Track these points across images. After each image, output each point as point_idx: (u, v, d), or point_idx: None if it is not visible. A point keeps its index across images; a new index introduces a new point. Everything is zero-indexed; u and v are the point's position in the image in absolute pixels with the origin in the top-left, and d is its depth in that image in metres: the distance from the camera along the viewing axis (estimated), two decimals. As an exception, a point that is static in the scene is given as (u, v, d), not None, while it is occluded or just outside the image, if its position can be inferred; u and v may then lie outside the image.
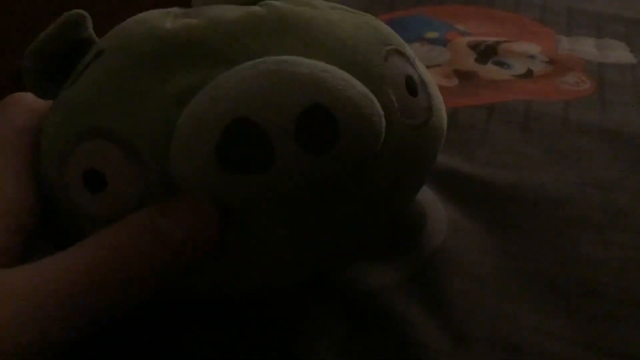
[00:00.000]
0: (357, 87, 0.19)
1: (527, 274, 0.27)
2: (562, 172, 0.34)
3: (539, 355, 0.24)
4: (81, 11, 0.23)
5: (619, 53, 0.48)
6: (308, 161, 0.19)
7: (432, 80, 0.25)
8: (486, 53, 0.47)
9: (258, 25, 0.22)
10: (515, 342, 0.24)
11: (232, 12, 0.22)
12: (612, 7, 0.55)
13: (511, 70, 0.45)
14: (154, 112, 0.20)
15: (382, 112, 0.20)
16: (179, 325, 0.24)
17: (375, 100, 0.20)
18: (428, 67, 0.45)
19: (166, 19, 0.23)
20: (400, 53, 0.24)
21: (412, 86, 0.23)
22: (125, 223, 0.20)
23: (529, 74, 0.45)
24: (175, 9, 0.24)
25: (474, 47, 0.48)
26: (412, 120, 0.23)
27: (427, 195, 0.31)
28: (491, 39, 0.49)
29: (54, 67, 0.23)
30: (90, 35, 0.24)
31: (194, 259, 0.20)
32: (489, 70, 0.45)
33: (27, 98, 0.24)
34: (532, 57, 0.47)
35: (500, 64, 0.46)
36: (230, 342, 0.24)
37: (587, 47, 0.49)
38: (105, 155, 0.20)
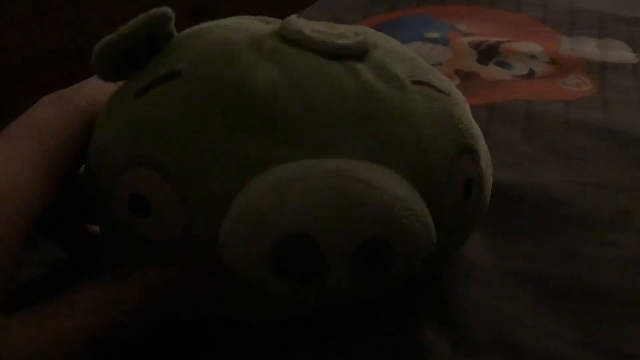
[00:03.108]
0: (421, 217, 0.20)
1: (528, 274, 0.27)
2: (562, 172, 0.34)
3: (540, 355, 0.24)
4: (167, 10, 0.22)
5: (620, 53, 0.48)
6: (356, 285, 0.20)
7: (489, 167, 0.25)
8: (488, 53, 0.47)
9: (342, 110, 0.21)
10: (516, 342, 0.24)
11: (318, 79, 0.21)
12: (613, 7, 0.55)
13: (513, 70, 0.46)
14: (217, 171, 0.20)
15: (434, 240, 0.20)
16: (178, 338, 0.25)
17: (432, 230, 0.20)
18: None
19: (251, 55, 0.21)
20: (470, 150, 0.23)
21: (469, 188, 0.23)
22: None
23: (530, 74, 0.45)
24: (262, 35, 0.22)
25: (475, 47, 0.48)
26: (459, 219, 0.23)
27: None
28: (492, 39, 0.49)
29: (126, 57, 0.22)
30: (170, 31, 0.23)
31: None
32: (491, 71, 0.45)
33: (86, 91, 0.24)
34: (533, 57, 0.47)
35: (502, 64, 0.46)
36: (228, 340, 0.24)
37: (588, 47, 0.49)
38: (156, 188, 0.20)
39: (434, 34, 0.51)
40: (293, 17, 0.23)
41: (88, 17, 0.98)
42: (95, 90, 0.24)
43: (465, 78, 0.44)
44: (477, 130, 0.24)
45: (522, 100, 0.41)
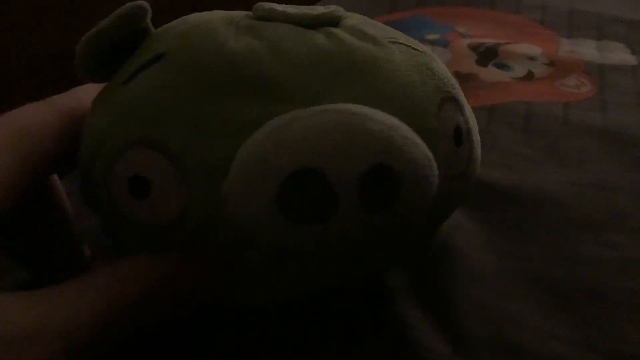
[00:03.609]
0: (419, 146, 0.20)
1: (528, 275, 0.27)
2: (562, 173, 0.34)
3: (540, 356, 0.24)
4: (143, 3, 0.22)
5: (619, 54, 0.48)
6: (366, 217, 0.19)
7: (475, 122, 0.25)
8: (487, 55, 0.47)
9: (324, 63, 0.21)
10: (516, 342, 0.24)
11: (298, 41, 0.22)
12: (612, 9, 0.55)
13: (512, 72, 0.46)
14: (213, 139, 0.20)
15: (437, 173, 0.20)
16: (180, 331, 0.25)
17: (433, 160, 0.20)
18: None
19: (228, 30, 0.22)
20: (453, 99, 0.24)
21: (459, 136, 0.23)
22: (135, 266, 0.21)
23: (529, 76, 0.45)
24: (237, 16, 0.23)
25: (474, 48, 0.48)
26: (452, 170, 0.23)
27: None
28: (491, 41, 0.49)
29: (108, 54, 0.22)
30: (146, 25, 0.23)
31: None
32: (490, 72, 0.45)
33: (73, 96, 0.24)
34: (532, 58, 0.47)
35: (501, 66, 0.46)
36: (228, 340, 0.24)
37: (587, 49, 0.49)
38: (155, 167, 0.20)
39: (433, 36, 0.51)
40: None
41: (88, 17, 0.98)
42: (85, 94, 0.24)
43: (465, 80, 0.44)
44: (457, 82, 0.25)
45: (521, 101, 0.41)
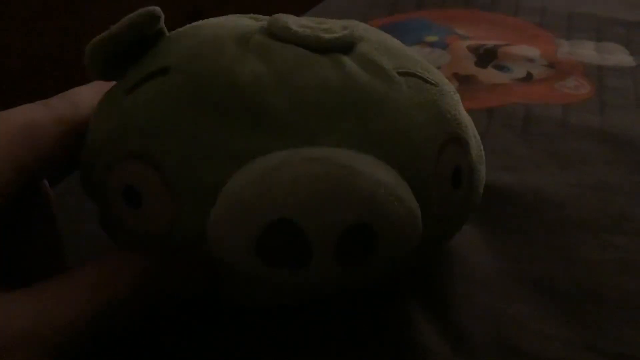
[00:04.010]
0: (405, 203, 0.20)
1: (528, 277, 0.27)
2: (561, 174, 0.34)
3: (540, 357, 0.24)
4: (156, 9, 0.22)
5: (618, 56, 0.48)
6: (340, 271, 0.20)
7: (482, 163, 0.25)
8: (486, 57, 0.47)
9: (327, 102, 0.21)
10: (516, 344, 0.24)
11: (304, 74, 0.21)
12: (611, 10, 0.55)
13: (511, 73, 0.46)
14: (204, 164, 0.20)
15: (420, 229, 0.21)
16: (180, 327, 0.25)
17: (418, 217, 0.20)
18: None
19: (238, 50, 0.22)
20: (458, 139, 0.23)
21: (458, 177, 0.23)
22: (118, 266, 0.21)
23: (528, 77, 0.45)
24: (250, 31, 0.23)
25: (473, 50, 0.48)
26: (448, 211, 0.23)
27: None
28: (491, 43, 0.49)
29: (119, 57, 0.22)
30: (160, 28, 0.23)
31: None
32: (489, 74, 0.46)
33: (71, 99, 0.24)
34: (531, 60, 0.47)
35: (500, 68, 0.46)
36: (228, 341, 0.24)
37: (586, 51, 0.49)
38: (147, 180, 0.21)
39: (433, 38, 0.51)
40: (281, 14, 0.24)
41: (88, 17, 0.98)
42: (82, 97, 0.24)
43: (464, 82, 0.44)
44: (466, 120, 0.25)
45: (521, 103, 0.41)
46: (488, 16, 0.55)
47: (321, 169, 0.19)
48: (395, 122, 0.22)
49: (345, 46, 0.23)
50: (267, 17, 0.24)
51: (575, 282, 0.27)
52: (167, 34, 0.23)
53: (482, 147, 0.26)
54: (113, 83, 0.23)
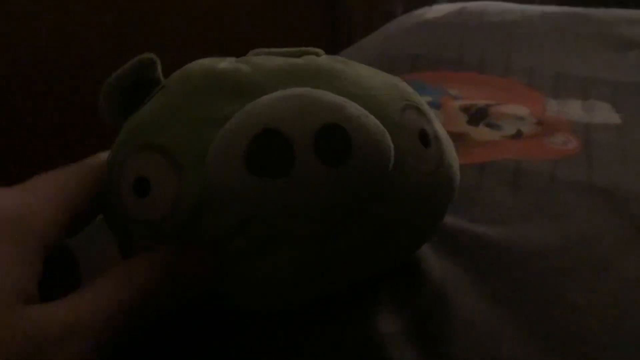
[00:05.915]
0: (372, 119, 0.23)
1: (519, 320, 0.28)
2: (548, 226, 0.35)
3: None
4: (152, 55, 0.27)
5: (604, 114, 0.51)
6: (323, 171, 0.22)
7: (449, 139, 0.28)
8: (478, 115, 0.50)
9: (296, 71, 0.26)
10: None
11: (276, 61, 0.27)
12: (597, 72, 0.58)
13: (501, 131, 0.48)
14: (198, 131, 0.24)
15: (391, 145, 0.23)
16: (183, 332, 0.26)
17: (386, 133, 0.23)
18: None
19: (221, 62, 0.27)
20: (418, 110, 0.27)
21: (425, 138, 0.27)
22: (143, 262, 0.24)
23: (518, 134, 0.47)
24: (231, 58, 0.28)
25: (465, 110, 0.51)
26: (424, 166, 0.26)
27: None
28: (482, 102, 0.52)
29: (124, 102, 0.27)
30: (158, 75, 0.28)
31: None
32: (481, 132, 0.48)
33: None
34: (521, 118, 0.49)
35: (491, 126, 0.48)
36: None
37: (574, 109, 0.51)
38: (153, 164, 0.24)
39: (427, 98, 0.53)
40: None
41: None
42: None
43: (457, 139, 0.46)
44: (424, 101, 0.29)
45: (511, 159, 0.43)
46: (479, 77, 0.58)
47: (297, 91, 0.23)
48: (357, 83, 0.26)
49: (315, 54, 0.29)
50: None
51: (562, 324, 0.28)
52: (164, 81, 0.28)
53: (449, 137, 0.29)
54: None
